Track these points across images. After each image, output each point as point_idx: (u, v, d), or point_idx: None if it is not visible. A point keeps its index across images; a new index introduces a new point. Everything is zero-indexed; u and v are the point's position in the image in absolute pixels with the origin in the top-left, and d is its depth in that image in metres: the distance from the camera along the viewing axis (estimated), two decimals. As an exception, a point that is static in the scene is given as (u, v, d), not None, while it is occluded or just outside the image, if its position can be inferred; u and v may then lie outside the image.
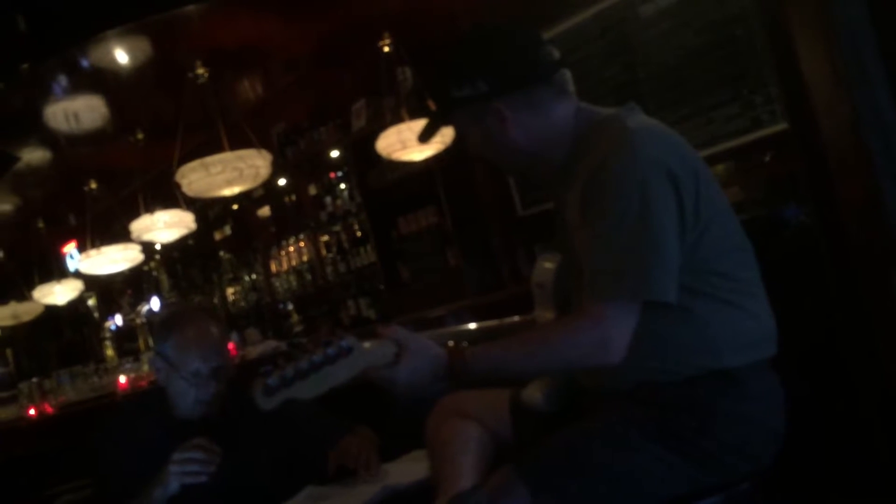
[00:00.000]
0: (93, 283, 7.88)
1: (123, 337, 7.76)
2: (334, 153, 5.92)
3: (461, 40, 1.49)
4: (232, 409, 1.95)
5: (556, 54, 1.49)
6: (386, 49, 4.65)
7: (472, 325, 1.73)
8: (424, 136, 1.61)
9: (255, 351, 4.78)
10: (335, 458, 1.89)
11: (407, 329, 1.36)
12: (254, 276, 7.12)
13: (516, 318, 1.75)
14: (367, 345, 1.29)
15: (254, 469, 1.94)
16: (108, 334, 7.39)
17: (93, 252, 5.71)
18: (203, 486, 1.81)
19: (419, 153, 4.51)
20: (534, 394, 1.58)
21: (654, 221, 1.30)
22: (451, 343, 1.36)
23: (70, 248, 8.03)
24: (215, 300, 7.52)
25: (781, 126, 3.56)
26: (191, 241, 6.94)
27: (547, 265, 1.62)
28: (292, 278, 6.57)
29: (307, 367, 1.22)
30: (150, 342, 5.72)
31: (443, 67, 1.51)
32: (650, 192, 1.30)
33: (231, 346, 4.67)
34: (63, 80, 4.22)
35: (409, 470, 1.81)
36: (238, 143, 4.46)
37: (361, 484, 1.79)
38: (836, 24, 1.77)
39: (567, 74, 1.50)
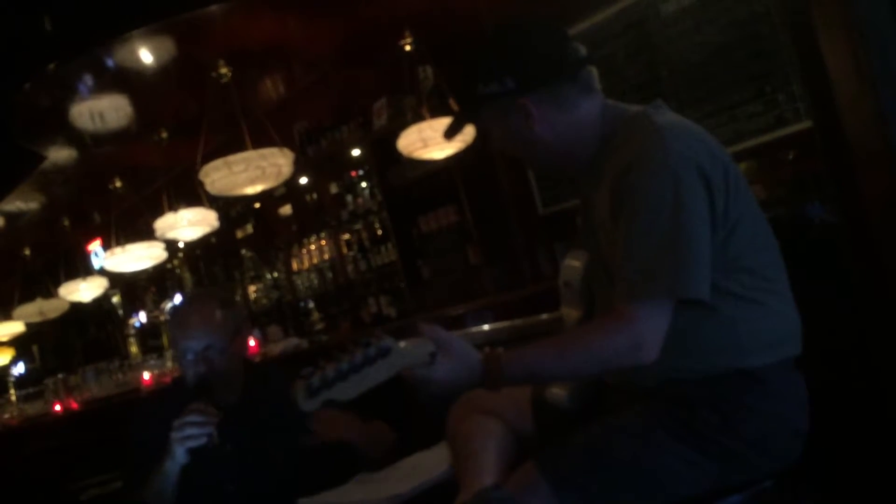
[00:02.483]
0: (117, 280, 7.96)
1: (147, 334, 7.85)
2: (356, 152, 5.94)
3: (488, 37, 1.49)
4: (249, 394, 1.97)
5: (583, 51, 1.49)
6: (407, 48, 4.65)
7: (501, 325, 1.73)
8: (450, 133, 1.62)
9: (276, 348, 4.82)
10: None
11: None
12: (275, 274, 7.16)
13: (544, 317, 1.75)
14: (403, 344, 1.29)
15: (267, 453, 1.97)
16: (132, 331, 7.48)
17: (117, 250, 5.76)
18: (216, 467, 1.87)
19: (440, 151, 4.51)
20: (558, 391, 1.58)
21: (687, 219, 1.29)
22: (487, 349, 1.35)
23: (95, 246, 8.12)
24: (237, 298, 7.57)
25: (805, 124, 3.53)
26: (213, 239, 6.98)
27: (574, 263, 1.62)
28: (314, 276, 6.60)
29: (347, 368, 1.23)
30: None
31: (470, 64, 1.51)
32: (682, 190, 1.30)
33: (254, 342, 4.71)
34: (88, 79, 4.26)
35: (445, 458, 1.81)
36: (260, 141, 4.49)
37: (407, 473, 1.80)
38: (860, 21, 1.76)
39: (593, 72, 1.50)
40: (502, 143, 1.55)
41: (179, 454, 1.82)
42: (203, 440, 1.80)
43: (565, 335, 1.39)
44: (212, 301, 2.05)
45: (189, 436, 1.80)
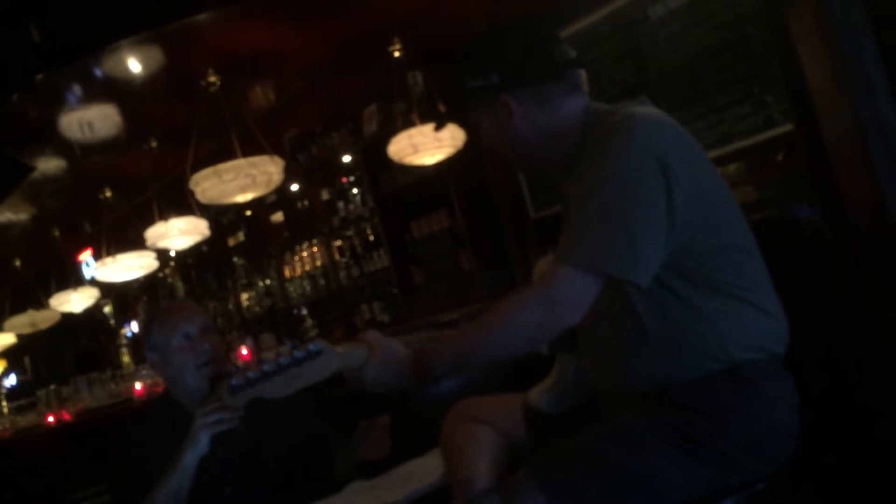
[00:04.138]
0: (109, 290, 7.95)
1: (139, 343, 7.82)
2: (346, 158, 5.94)
3: (479, 34, 1.52)
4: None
5: (572, 54, 1.51)
6: (396, 54, 4.66)
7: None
8: (439, 125, 1.71)
9: (270, 356, 4.80)
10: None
11: (380, 333, 1.43)
12: (268, 282, 7.15)
13: None
14: (339, 349, 1.36)
15: (265, 457, 1.98)
16: (124, 341, 7.47)
17: (108, 260, 5.75)
18: (221, 474, 1.87)
19: (431, 157, 4.51)
20: (538, 396, 1.60)
21: (630, 200, 1.31)
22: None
23: (86, 256, 8.10)
24: (230, 306, 7.56)
25: (794, 125, 3.54)
26: (205, 248, 6.98)
27: (545, 267, 1.62)
28: (306, 283, 6.60)
29: (272, 369, 1.31)
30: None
31: (459, 58, 1.55)
32: (633, 173, 1.31)
33: (247, 350, 4.70)
34: (77, 89, 4.26)
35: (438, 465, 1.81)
36: (250, 149, 4.48)
37: (401, 480, 1.80)
38: (837, 32, 1.80)
39: (582, 74, 1.52)
40: (487, 137, 1.57)
41: (203, 442, 1.80)
42: (234, 423, 1.81)
43: (487, 311, 1.39)
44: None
45: (219, 420, 1.80)
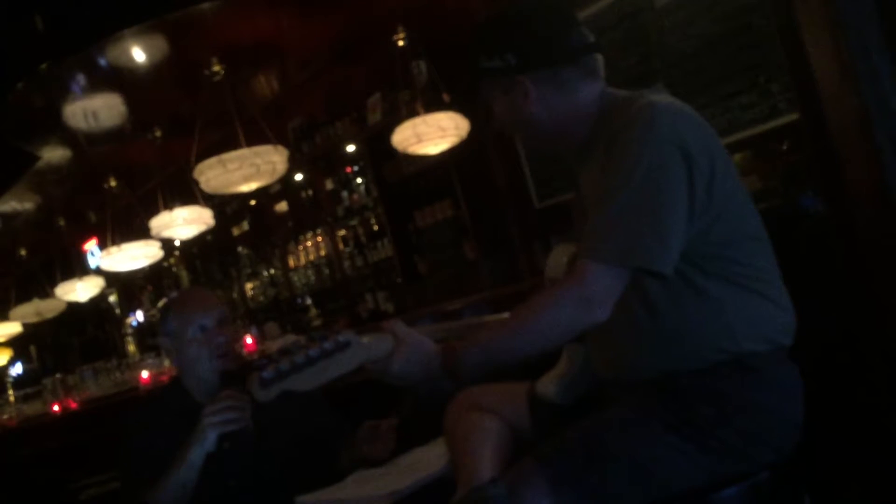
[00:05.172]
0: (114, 279, 7.97)
1: (145, 332, 7.85)
2: (350, 147, 5.93)
3: (497, 14, 1.52)
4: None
5: (590, 38, 1.51)
6: (401, 43, 4.65)
7: (490, 317, 1.74)
8: (461, 92, 1.67)
9: (274, 345, 4.81)
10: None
11: (406, 323, 1.40)
12: (272, 271, 7.16)
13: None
14: (365, 339, 1.34)
15: (271, 450, 1.98)
16: (129, 330, 7.49)
17: (113, 249, 5.76)
18: (226, 467, 1.86)
19: (435, 146, 4.51)
20: (547, 386, 1.59)
21: (656, 191, 1.30)
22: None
23: (91, 246, 8.12)
24: (234, 295, 7.58)
25: (799, 114, 3.53)
26: (209, 237, 6.99)
27: (559, 258, 1.62)
28: (310, 273, 6.61)
29: (303, 361, 1.28)
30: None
31: (476, 37, 1.54)
32: (657, 164, 1.31)
33: (252, 339, 4.71)
34: (81, 79, 4.26)
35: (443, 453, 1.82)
36: (254, 139, 4.48)
37: (405, 469, 1.81)
38: (843, 19, 1.79)
39: (599, 59, 1.52)
40: (501, 118, 1.56)
41: (211, 439, 1.80)
42: (243, 423, 1.80)
43: (518, 308, 1.39)
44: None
45: (228, 420, 1.79)
